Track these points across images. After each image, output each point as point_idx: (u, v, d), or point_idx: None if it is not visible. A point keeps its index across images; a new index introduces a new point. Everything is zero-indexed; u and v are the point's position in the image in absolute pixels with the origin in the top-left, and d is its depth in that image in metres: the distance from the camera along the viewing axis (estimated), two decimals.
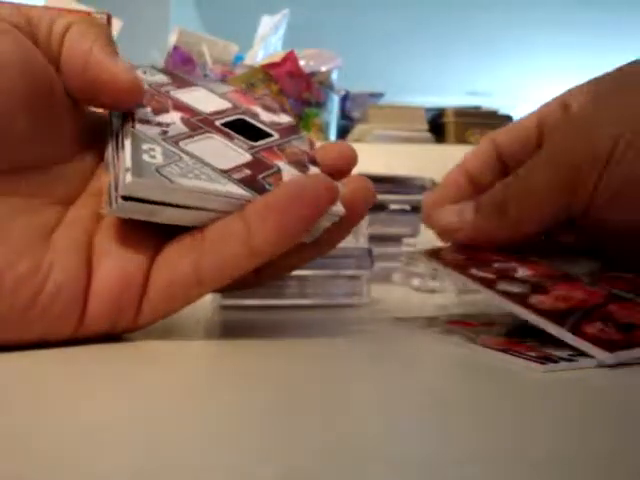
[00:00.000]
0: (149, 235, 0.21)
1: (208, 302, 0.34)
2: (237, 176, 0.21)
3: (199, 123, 0.23)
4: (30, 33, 0.19)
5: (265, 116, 0.26)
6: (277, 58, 1.14)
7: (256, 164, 0.22)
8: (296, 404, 0.13)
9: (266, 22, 1.27)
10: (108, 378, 0.16)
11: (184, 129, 0.22)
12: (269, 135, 0.25)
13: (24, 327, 0.19)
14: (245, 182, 0.21)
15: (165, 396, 0.14)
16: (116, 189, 0.19)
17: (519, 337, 0.21)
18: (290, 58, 1.12)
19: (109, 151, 0.21)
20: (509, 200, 0.25)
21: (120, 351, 0.19)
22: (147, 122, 0.22)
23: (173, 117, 0.23)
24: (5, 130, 0.19)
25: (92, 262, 0.20)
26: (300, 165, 0.23)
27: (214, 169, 0.21)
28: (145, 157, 0.20)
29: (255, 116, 0.26)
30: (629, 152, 0.23)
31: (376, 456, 0.10)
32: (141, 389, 0.15)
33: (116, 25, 0.72)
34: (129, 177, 0.19)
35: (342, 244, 0.24)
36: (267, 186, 0.21)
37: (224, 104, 0.25)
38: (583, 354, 0.18)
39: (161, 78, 0.25)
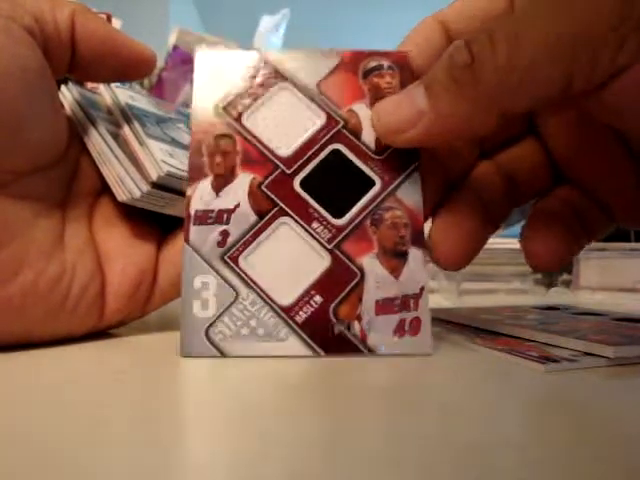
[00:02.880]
0: (151, 230, 0.23)
1: None
2: (303, 315, 0.17)
3: (272, 194, 0.18)
4: (40, 30, 0.19)
5: (369, 129, 0.19)
6: None
7: (333, 274, 0.18)
8: (296, 404, 0.13)
9: (266, 22, 1.27)
10: (107, 377, 0.16)
11: (251, 217, 0.18)
12: (369, 183, 0.19)
13: (56, 326, 0.20)
14: (311, 326, 0.17)
15: (165, 396, 0.14)
16: (133, 179, 0.21)
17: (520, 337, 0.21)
18: None
19: (103, 146, 0.22)
20: (484, 61, 0.16)
21: (119, 350, 0.19)
22: (204, 218, 0.18)
23: (238, 191, 0.18)
24: (24, 127, 0.18)
25: (101, 261, 0.21)
26: (395, 255, 0.18)
27: (275, 309, 0.17)
28: (196, 312, 0.18)
29: (357, 134, 0.19)
30: None
31: (376, 456, 0.10)
32: (141, 388, 0.15)
33: (116, 25, 0.72)
34: (165, 168, 0.21)
35: None
36: (339, 328, 0.17)
37: (313, 121, 0.19)
38: (584, 354, 0.18)
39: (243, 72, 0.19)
